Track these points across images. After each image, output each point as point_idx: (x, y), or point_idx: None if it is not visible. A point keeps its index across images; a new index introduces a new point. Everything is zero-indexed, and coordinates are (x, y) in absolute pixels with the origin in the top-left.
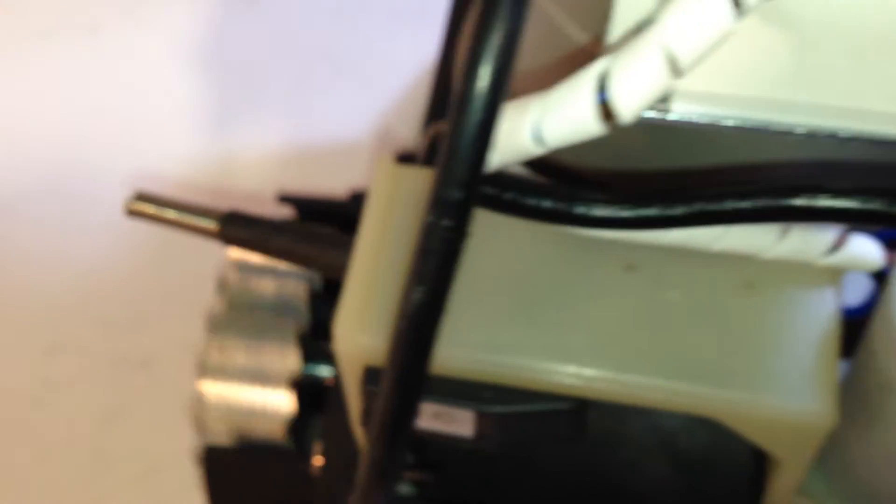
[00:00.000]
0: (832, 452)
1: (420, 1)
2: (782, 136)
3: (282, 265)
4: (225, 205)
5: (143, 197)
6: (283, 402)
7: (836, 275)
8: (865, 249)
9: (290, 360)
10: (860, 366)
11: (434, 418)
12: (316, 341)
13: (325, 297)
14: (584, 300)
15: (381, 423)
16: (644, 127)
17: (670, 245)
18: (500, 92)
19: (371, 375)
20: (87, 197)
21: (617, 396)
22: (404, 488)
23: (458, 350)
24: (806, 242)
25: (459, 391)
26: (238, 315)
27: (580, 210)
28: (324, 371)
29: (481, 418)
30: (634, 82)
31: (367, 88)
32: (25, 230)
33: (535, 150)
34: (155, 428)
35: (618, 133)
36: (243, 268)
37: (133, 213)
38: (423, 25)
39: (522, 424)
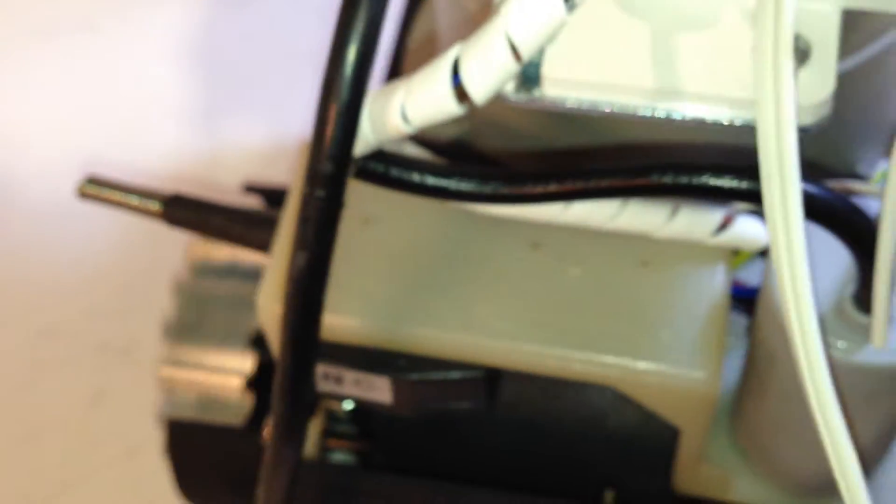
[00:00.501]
0: (738, 420)
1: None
2: (644, 120)
3: (240, 263)
4: (212, 197)
5: (93, 181)
6: (239, 388)
7: (724, 254)
8: (751, 230)
9: (245, 361)
10: (752, 340)
11: (355, 385)
12: None
13: None
14: (491, 274)
15: (281, 379)
16: (529, 111)
17: (571, 224)
18: (364, 72)
19: None
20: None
21: (521, 365)
22: (345, 457)
23: (373, 321)
24: (695, 222)
25: (376, 360)
26: (194, 317)
27: (462, 186)
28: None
29: (396, 385)
30: (482, 67)
31: None
32: (20, 221)
33: (405, 129)
34: (136, 410)
35: (508, 116)
36: (201, 269)
37: (84, 196)
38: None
39: (435, 391)
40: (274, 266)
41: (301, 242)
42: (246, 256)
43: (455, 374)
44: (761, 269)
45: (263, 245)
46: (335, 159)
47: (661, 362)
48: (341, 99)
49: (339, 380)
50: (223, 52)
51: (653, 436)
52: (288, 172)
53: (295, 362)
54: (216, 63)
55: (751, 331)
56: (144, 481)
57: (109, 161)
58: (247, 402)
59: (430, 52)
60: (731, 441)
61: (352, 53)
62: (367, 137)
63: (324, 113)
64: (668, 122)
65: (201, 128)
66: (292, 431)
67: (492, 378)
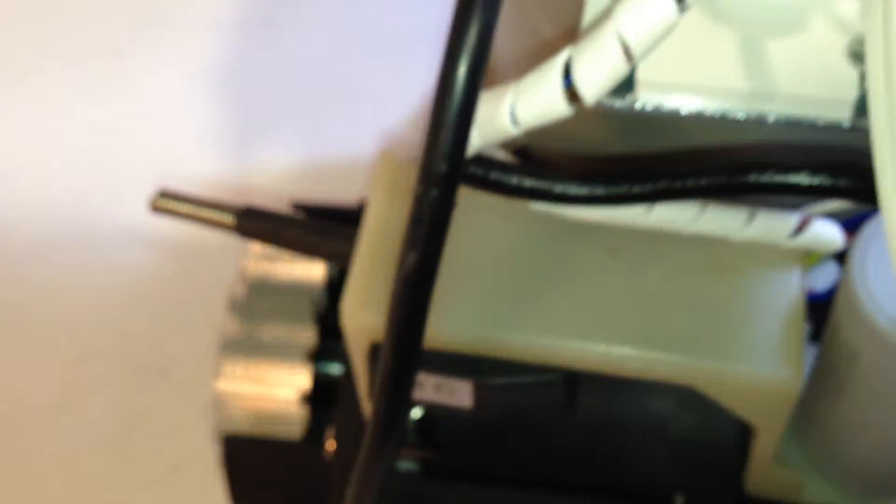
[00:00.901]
0: (807, 425)
1: (434, 24)
2: (735, 122)
3: (294, 280)
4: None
5: (166, 194)
6: (299, 388)
7: (798, 256)
8: (826, 231)
9: (307, 337)
10: (828, 340)
11: (436, 391)
12: (327, 340)
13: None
14: (571, 280)
15: (384, 378)
16: (613, 115)
17: (652, 228)
18: (478, 75)
19: (377, 352)
20: (110, 215)
21: (603, 367)
22: (409, 465)
23: (456, 326)
24: (772, 226)
25: (459, 365)
26: (257, 301)
27: (559, 188)
28: (335, 369)
29: (479, 389)
30: (594, 68)
31: (379, 110)
32: (52, 246)
33: (512, 131)
34: (175, 430)
35: (591, 121)
36: (263, 257)
37: (157, 209)
38: (435, 47)
39: (517, 395)
40: (357, 272)
41: (412, 243)
42: (301, 273)
43: (536, 378)
44: (823, 275)
45: (336, 255)
46: (450, 159)
47: (745, 362)
48: (457, 98)
49: (419, 385)
50: (252, 77)
51: (724, 438)
52: (316, 194)
53: (400, 363)
54: (244, 87)
55: (821, 334)
56: (186, 500)
57: (138, 186)
58: (303, 417)
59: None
60: (799, 444)
61: (466, 54)
62: (472, 140)
63: (440, 113)
64: (757, 124)
65: (230, 153)
66: (391, 434)
67: (571, 381)
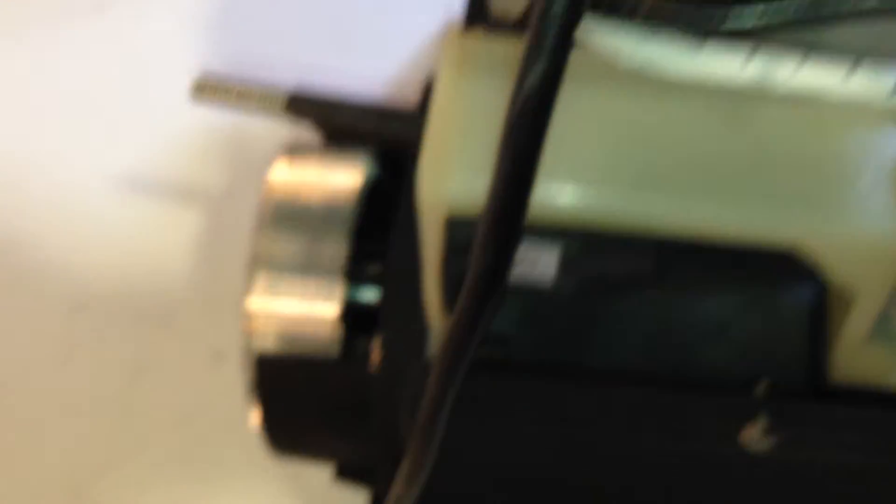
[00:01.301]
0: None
1: None
2: None
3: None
4: (238, 172)
5: (205, 82)
6: (333, 302)
7: None
8: None
9: (341, 251)
10: None
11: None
12: (361, 264)
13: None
14: (666, 144)
15: (494, 212)
16: None
17: (746, 89)
18: None
19: (453, 228)
20: (103, 165)
21: (702, 230)
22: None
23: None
24: (871, 82)
25: (542, 233)
26: (287, 216)
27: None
28: (369, 295)
29: (565, 259)
30: None
31: (380, 53)
32: (41, 198)
33: None
34: (180, 381)
35: None
36: (291, 173)
37: (199, 98)
38: None
39: (606, 262)
40: (433, 140)
41: (537, 51)
42: (333, 188)
43: (626, 245)
44: None
45: (396, 139)
46: None
47: (852, 218)
48: None
49: None
50: (241, 27)
51: (802, 323)
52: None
53: (514, 194)
54: (234, 39)
55: None
56: (195, 452)
57: (130, 137)
58: (339, 334)
59: None
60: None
61: None
62: None
63: None
64: None
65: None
66: (495, 287)
67: (662, 249)
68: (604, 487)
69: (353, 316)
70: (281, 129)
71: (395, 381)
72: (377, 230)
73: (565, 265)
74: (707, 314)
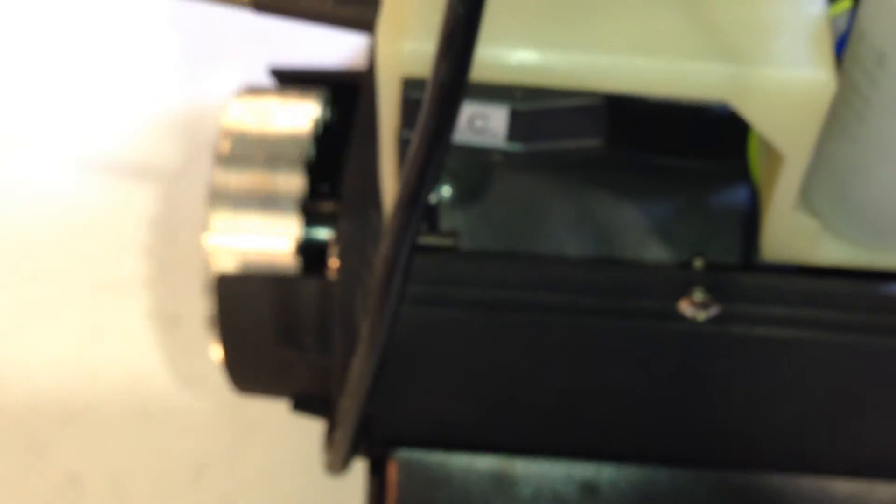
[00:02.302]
0: (823, 176)
1: None
2: None
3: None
4: (191, 150)
5: None
6: (288, 237)
7: None
8: None
9: (297, 185)
10: (849, 61)
11: (468, 128)
12: (315, 200)
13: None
14: (604, 4)
15: (440, 77)
16: None
17: None
18: None
19: (410, 86)
20: (52, 138)
21: (640, 85)
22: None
23: (486, 49)
24: None
25: (491, 92)
26: (242, 152)
27: None
28: (323, 234)
29: (514, 117)
30: None
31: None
32: (3, 169)
33: None
34: (137, 345)
35: None
36: (246, 110)
37: None
38: None
39: (553, 123)
40: (389, 5)
41: None
42: (286, 123)
43: (574, 101)
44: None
45: (355, 21)
46: None
47: (779, 65)
48: None
49: None
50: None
51: (738, 197)
52: None
53: (458, 57)
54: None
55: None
56: (151, 409)
57: (88, 117)
58: (296, 267)
59: None
60: (813, 202)
61: None
62: None
63: None
64: None
65: (184, 75)
66: (439, 144)
67: (611, 107)
68: (552, 376)
69: (308, 251)
70: None
71: (353, 288)
72: (330, 169)
73: (516, 121)
74: (648, 203)
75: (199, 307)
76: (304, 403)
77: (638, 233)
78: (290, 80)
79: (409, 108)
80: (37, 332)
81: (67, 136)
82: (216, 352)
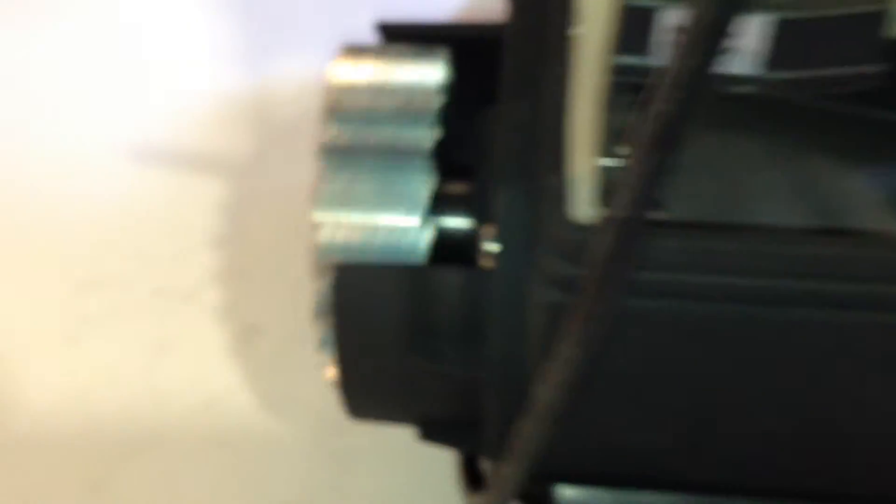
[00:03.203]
0: None
1: None
2: None
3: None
4: (265, 138)
5: None
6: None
7: None
8: None
9: (426, 139)
10: None
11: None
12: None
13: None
14: None
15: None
16: None
17: None
18: None
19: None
20: (106, 137)
21: None
22: None
23: None
24: None
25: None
26: (356, 140)
27: None
28: (456, 222)
29: (782, 28)
30: None
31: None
32: (46, 171)
33: None
34: (208, 358)
35: None
36: (354, 90)
37: None
38: None
39: (827, 38)
40: None
41: None
42: (408, 88)
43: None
44: None
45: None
46: None
47: None
48: None
49: None
50: None
51: None
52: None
53: None
54: None
55: None
56: (228, 437)
57: (144, 103)
58: (427, 241)
59: None
60: None
61: None
62: None
63: None
64: None
65: (244, 66)
66: (677, 127)
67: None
68: (784, 390)
69: (445, 235)
70: (310, 90)
71: (517, 282)
72: (461, 136)
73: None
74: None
75: (280, 315)
76: (436, 430)
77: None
78: (401, 36)
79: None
80: (93, 348)
81: (120, 128)
82: (327, 364)
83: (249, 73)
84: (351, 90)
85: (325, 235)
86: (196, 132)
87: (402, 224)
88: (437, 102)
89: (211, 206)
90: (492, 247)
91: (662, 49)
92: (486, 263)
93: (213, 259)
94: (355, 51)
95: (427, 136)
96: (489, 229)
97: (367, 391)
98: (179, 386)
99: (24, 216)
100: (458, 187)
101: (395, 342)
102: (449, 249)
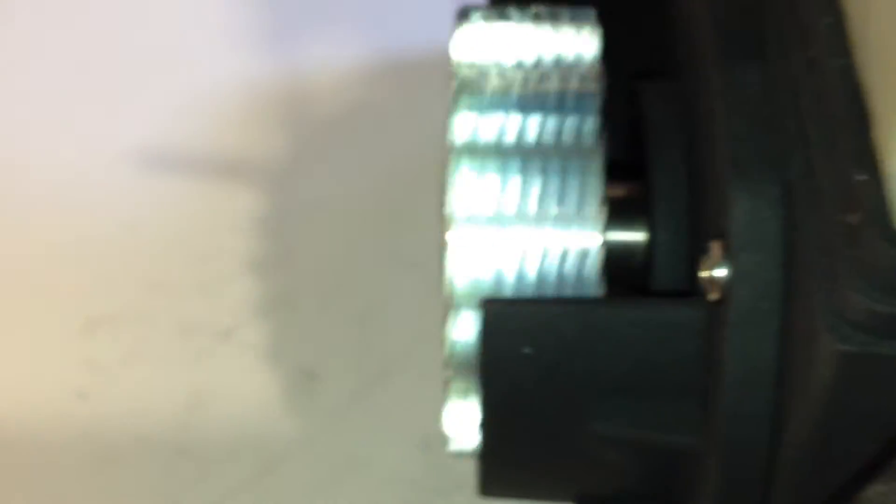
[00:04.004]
0: None
1: None
2: None
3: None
4: (301, 139)
5: None
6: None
7: None
8: None
9: (593, 150)
10: None
11: None
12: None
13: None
14: None
15: None
16: None
17: None
18: None
19: None
20: (115, 142)
21: None
22: None
23: None
24: None
25: None
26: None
27: None
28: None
29: None
30: None
31: None
32: (46, 186)
33: None
34: (253, 413)
35: None
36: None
37: None
38: None
39: None
40: None
41: None
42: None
43: None
44: None
45: None
46: None
47: None
48: None
49: None
50: None
51: None
52: (395, 93)
53: None
54: None
55: None
56: (283, 498)
57: (158, 102)
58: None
59: None
60: None
61: None
62: None
63: None
64: None
65: (276, 55)
66: None
67: None
68: None
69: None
70: (348, 84)
71: (766, 324)
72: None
73: None
74: None
75: (341, 356)
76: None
77: None
78: None
79: None
80: (108, 402)
81: (129, 132)
82: (462, 430)
83: (278, 61)
84: (486, 68)
85: (461, 260)
86: (219, 135)
87: (574, 244)
88: (598, 79)
89: (243, 223)
90: (722, 272)
91: None
92: (712, 295)
93: (252, 288)
94: (485, 15)
95: (591, 124)
96: (716, 247)
97: (518, 464)
98: (219, 448)
99: (19, 240)
100: (619, 189)
101: (568, 401)
102: (616, 273)
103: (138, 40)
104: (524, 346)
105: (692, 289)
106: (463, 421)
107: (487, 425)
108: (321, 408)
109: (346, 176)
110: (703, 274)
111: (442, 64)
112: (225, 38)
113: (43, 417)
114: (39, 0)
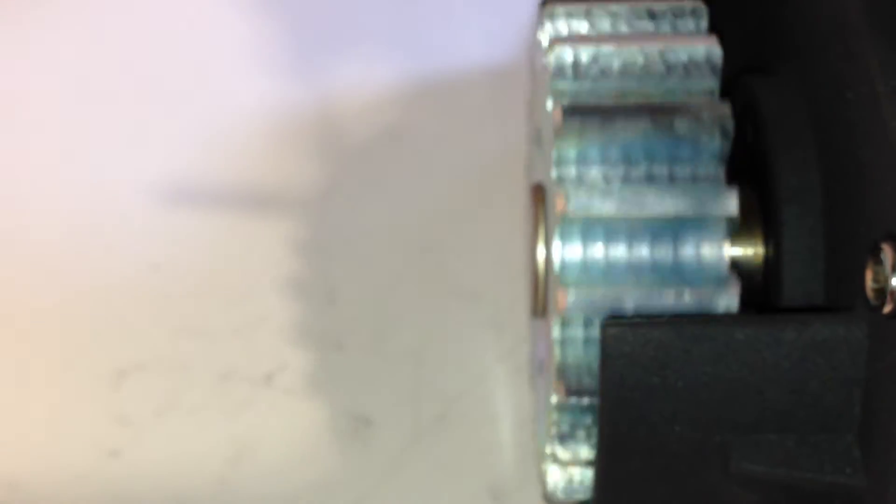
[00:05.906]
0: None
1: None
2: None
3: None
4: (330, 160)
5: None
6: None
7: None
8: None
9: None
10: None
11: None
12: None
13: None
14: None
15: None
16: None
17: None
18: None
19: None
20: (147, 175)
21: None
22: None
23: None
24: None
25: None
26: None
27: None
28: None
29: None
30: None
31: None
32: (60, 221)
33: None
34: (301, 464)
35: None
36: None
37: None
38: None
39: None
40: None
41: None
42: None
43: None
44: None
45: None
46: None
47: None
48: None
49: None
50: None
51: None
52: (430, 118)
53: None
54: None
55: None
56: None
57: (180, 134)
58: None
59: None
60: None
61: None
62: None
63: None
64: None
65: (303, 75)
66: None
67: None
68: None
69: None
70: (383, 108)
71: None
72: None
73: None
74: None
75: (395, 401)
76: None
77: None
78: None
79: None
80: (142, 460)
81: (151, 163)
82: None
83: (309, 86)
84: (589, 79)
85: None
86: (250, 165)
87: (706, 260)
88: (716, 86)
89: (279, 258)
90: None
91: None
92: (888, 307)
93: (292, 328)
94: (579, 12)
95: (716, 136)
96: (890, 250)
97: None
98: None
99: (35, 286)
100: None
101: (702, 438)
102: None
103: (162, 68)
104: (650, 375)
105: (831, 303)
106: (567, 464)
107: (603, 469)
108: (375, 457)
109: (385, 204)
110: (872, 284)
111: (480, 83)
112: (253, 63)
113: (72, 477)
114: (59, 27)
